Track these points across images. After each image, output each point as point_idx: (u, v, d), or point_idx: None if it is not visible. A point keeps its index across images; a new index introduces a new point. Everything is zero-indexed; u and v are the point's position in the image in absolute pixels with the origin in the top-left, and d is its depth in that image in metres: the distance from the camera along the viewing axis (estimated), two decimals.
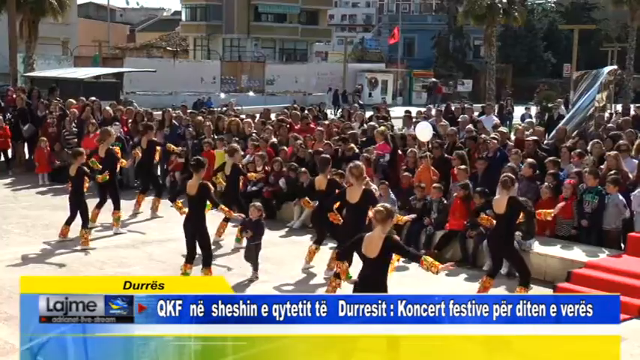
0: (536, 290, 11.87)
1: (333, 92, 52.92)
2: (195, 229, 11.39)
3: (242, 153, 15.85)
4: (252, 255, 12.27)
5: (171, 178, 19.22)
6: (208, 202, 11.46)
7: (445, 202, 14.21)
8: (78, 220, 13.85)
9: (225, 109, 27.20)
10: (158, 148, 16.61)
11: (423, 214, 14.14)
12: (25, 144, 21.81)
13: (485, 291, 10.82)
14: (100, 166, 14.62)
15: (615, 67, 25.02)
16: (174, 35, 74.99)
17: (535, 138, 16.31)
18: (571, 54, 46.65)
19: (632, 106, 32.01)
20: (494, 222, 11.10)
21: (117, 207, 15.03)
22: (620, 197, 12.88)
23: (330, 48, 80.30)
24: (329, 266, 12.18)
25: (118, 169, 15.85)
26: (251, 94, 54.15)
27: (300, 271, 12.47)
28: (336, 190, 11.84)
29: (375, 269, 8.09)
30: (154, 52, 70.55)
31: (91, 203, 14.59)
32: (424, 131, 15.56)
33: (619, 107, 32.79)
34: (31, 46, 40.96)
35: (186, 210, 11.65)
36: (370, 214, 8.42)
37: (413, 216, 12.19)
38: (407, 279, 12.12)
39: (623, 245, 12.86)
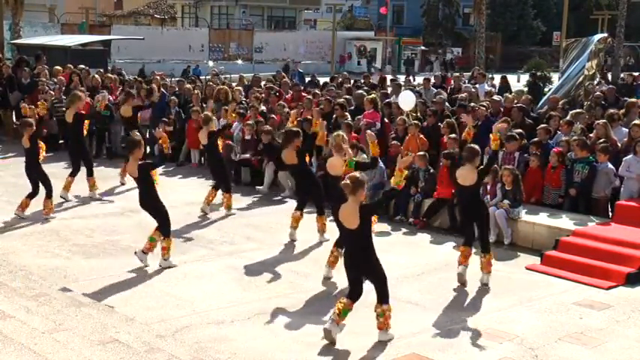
0: (524, 258, 11.94)
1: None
2: (148, 207, 11.12)
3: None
4: None
5: (159, 147, 19.13)
6: (155, 178, 11.02)
7: (432, 170, 14.21)
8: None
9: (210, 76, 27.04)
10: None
11: (411, 183, 14.16)
12: (13, 112, 21.66)
13: (464, 260, 10.46)
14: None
15: (605, 34, 24.90)
16: (162, 2, 74.28)
17: (521, 105, 16.26)
18: (561, 22, 46.53)
19: (622, 74, 31.87)
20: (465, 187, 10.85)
21: (90, 174, 14.96)
22: (610, 166, 12.90)
23: (319, 15, 79.59)
24: (321, 232, 12.27)
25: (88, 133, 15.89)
26: (239, 62, 53.96)
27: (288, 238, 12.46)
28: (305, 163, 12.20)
29: (360, 239, 7.98)
30: (142, 20, 69.99)
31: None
32: (407, 100, 15.44)
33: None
34: (17, 13, 40.53)
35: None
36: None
37: None
38: (396, 247, 12.17)
39: (611, 213, 12.94)
